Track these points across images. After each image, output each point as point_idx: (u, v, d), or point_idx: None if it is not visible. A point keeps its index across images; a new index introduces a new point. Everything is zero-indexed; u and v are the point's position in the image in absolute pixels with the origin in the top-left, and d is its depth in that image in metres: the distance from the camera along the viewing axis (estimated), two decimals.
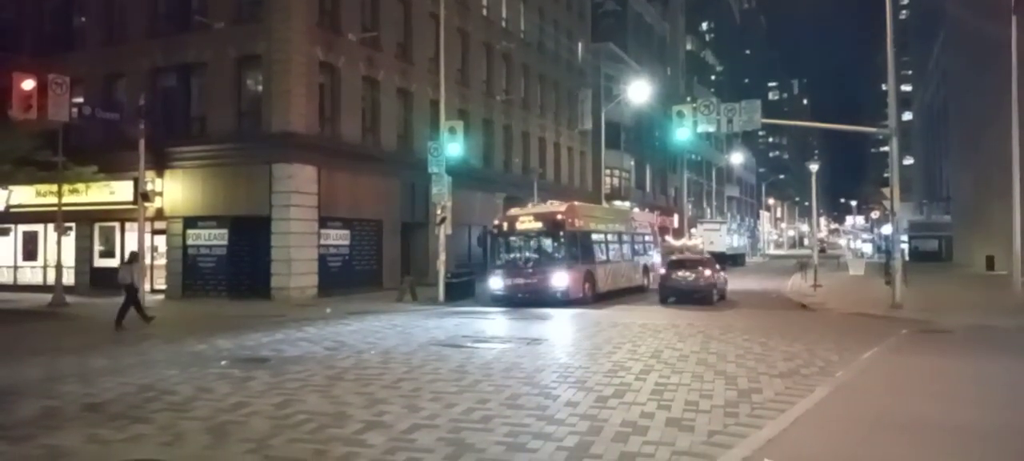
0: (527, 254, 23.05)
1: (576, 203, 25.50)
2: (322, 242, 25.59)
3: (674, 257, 28.01)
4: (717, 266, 24.54)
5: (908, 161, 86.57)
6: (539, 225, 22.95)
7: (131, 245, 25.38)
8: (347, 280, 26.11)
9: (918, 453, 6.87)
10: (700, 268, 23.20)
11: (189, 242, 25.99)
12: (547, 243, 22.88)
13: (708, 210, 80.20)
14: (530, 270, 22.32)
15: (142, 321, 17.93)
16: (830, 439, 7.22)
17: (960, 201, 55.61)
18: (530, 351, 12.99)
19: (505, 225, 23.42)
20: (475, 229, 35.32)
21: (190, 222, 25.98)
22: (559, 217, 22.79)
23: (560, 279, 21.83)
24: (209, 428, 7.79)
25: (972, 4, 40.04)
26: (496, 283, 22.60)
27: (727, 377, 10.30)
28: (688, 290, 22.49)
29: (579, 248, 23.17)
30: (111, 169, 25.56)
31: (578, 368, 11.23)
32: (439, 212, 24.03)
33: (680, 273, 23.22)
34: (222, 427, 7.82)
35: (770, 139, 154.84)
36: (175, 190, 26.09)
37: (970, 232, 48.68)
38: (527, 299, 21.62)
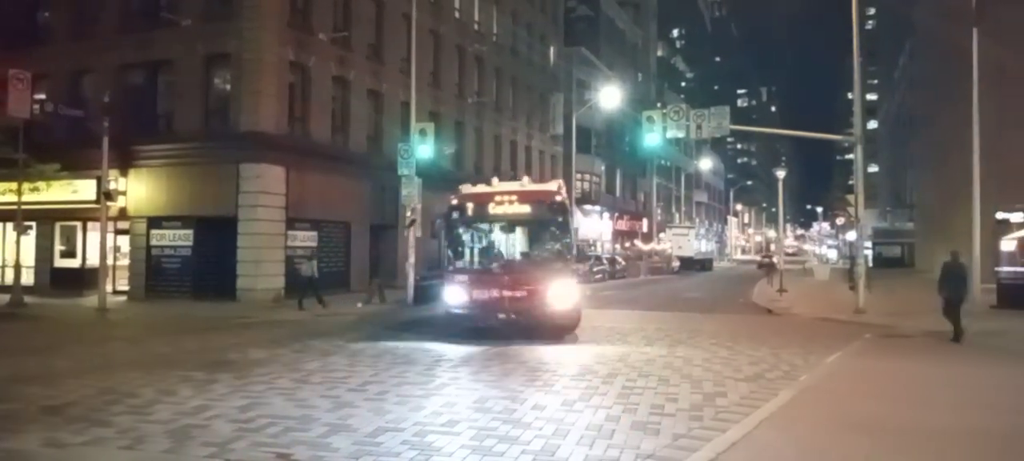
0: (506, 253, 16.20)
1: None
2: (290, 243, 25.31)
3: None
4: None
5: (873, 169, 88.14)
6: (526, 208, 15.24)
7: (93, 245, 24.99)
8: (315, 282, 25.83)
9: (879, 454, 6.99)
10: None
11: (153, 242, 25.54)
12: (540, 237, 16.00)
13: (677, 215, 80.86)
14: (514, 279, 14.51)
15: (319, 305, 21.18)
16: (794, 441, 7.31)
17: (923, 208, 56.73)
18: None
19: (470, 207, 15.35)
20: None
21: (154, 222, 25.54)
22: (558, 198, 15.37)
23: (562, 296, 14.40)
24: (170, 431, 7.68)
25: (937, 15, 40.89)
26: (456, 296, 14.81)
27: (693, 381, 10.39)
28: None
29: (576, 249, 18.04)
30: (74, 167, 25.06)
31: (546, 372, 11.25)
32: (409, 214, 23.91)
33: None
34: (184, 430, 7.71)
35: (739, 145, 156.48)
36: (139, 189, 25.66)
37: (932, 239, 49.62)
38: (509, 326, 14.39)
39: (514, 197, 15.40)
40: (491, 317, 14.49)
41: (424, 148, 23.76)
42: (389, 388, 9.89)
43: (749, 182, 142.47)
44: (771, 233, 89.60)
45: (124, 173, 25.43)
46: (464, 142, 37.28)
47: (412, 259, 23.75)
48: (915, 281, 37.73)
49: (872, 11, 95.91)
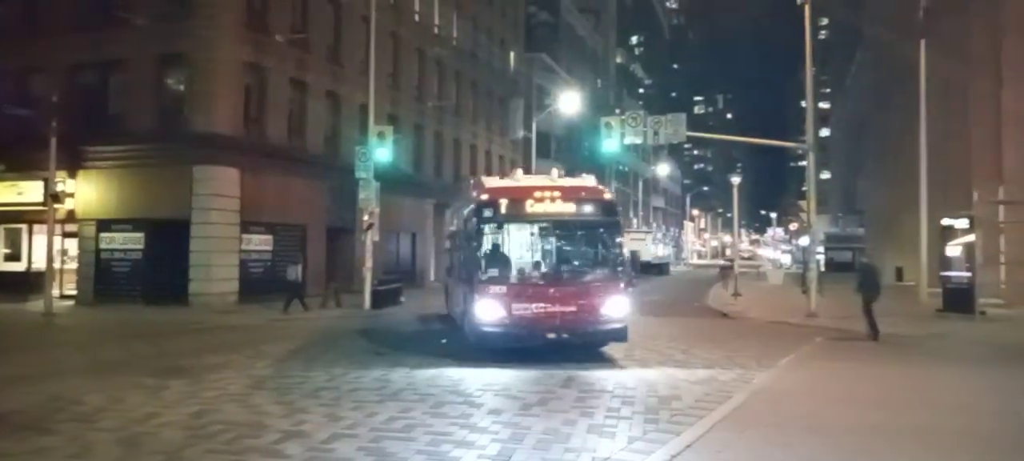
0: (547, 260, 13.82)
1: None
2: (244, 247, 24.93)
3: None
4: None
5: (825, 175, 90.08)
6: (570, 207, 13.05)
7: (39, 248, 24.31)
8: (269, 286, 25.43)
9: (827, 453, 7.13)
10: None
11: (103, 246, 24.94)
12: (587, 240, 13.75)
13: (634, 220, 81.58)
14: (563, 292, 12.55)
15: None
16: (747, 443, 7.43)
17: (873, 214, 58.14)
18: None
19: (504, 204, 12.88)
20: (404, 235, 35.22)
21: (104, 225, 24.96)
22: (607, 196, 13.87)
23: (617, 310, 12.61)
24: (119, 439, 7.51)
25: (887, 26, 41.97)
26: (490, 311, 12.26)
27: (648, 383, 10.49)
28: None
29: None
30: (21, 168, 24.38)
31: (503, 374, 11.25)
32: (366, 218, 23.70)
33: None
34: (133, 438, 7.56)
35: (695, 152, 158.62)
36: (89, 191, 25.03)
37: (882, 244, 50.85)
38: (556, 345, 12.37)
39: (557, 193, 12.98)
40: (538, 336, 12.24)
41: (382, 151, 23.60)
42: (344, 393, 9.78)
43: (705, 188, 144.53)
44: (727, 238, 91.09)
45: (73, 174, 24.78)
46: (424, 145, 37.13)
47: (369, 263, 23.56)
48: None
49: (825, 21, 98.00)
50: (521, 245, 13.99)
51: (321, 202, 28.42)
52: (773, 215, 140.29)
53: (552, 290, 12.53)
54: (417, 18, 36.63)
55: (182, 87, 24.71)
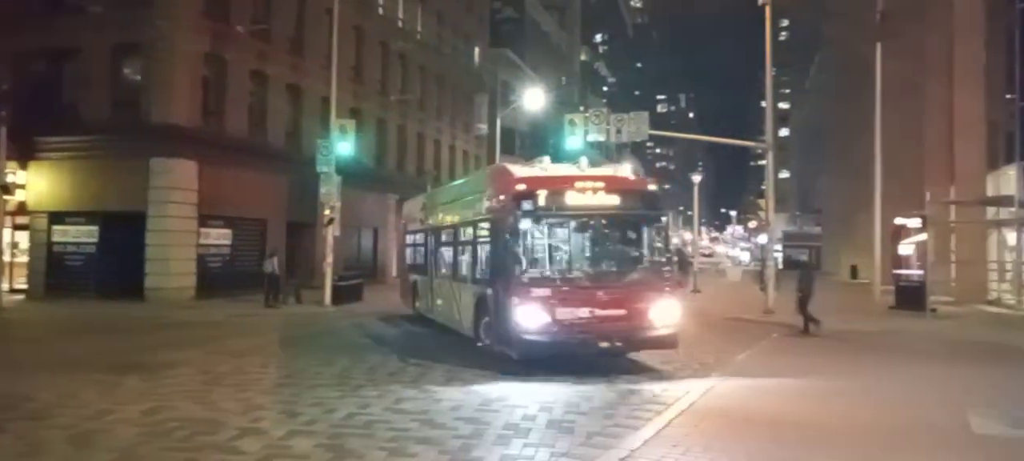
0: (597, 258, 12.02)
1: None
2: (202, 241, 24.54)
3: None
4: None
5: (784, 174, 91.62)
6: (615, 199, 11.73)
7: None
8: (228, 281, 25.11)
9: (784, 449, 7.27)
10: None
11: (55, 239, 24.40)
12: (632, 238, 12.37)
13: None
14: (612, 295, 11.32)
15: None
16: (702, 437, 7.53)
17: (830, 213, 59.40)
18: None
19: (543, 196, 11.28)
20: (365, 231, 34.96)
21: (57, 217, 24.41)
22: (652, 188, 13.36)
23: (670, 315, 11.54)
24: (71, 437, 7.35)
25: (846, 28, 42.83)
26: (533, 317, 10.86)
27: (608, 380, 10.57)
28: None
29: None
30: None
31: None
32: (327, 212, 23.46)
33: None
34: (86, 436, 7.40)
35: (658, 150, 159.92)
36: (41, 183, 24.42)
37: (838, 243, 52.03)
38: (603, 353, 11.35)
39: (600, 184, 11.64)
40: (589, 346, 11.06)
41: (344, 145, 23.38)
42: (303, 390, 9.70)
43: (667, 186, 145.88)
44: (687, 235, 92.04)
45: (24, 166, 24.18)
46: (386, 140, 36.89)
47: (330, 258, 23.35)
48: (821, 283, 39.35)
49: (785, 23, 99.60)
50: (563, 242, 12.02)
51: (282, 196, 28.08)
52: (733, 213, 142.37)
53: (601, 293, 11.23)
54: (381, 11, 36.36)
55: (139, 77, 24.20)
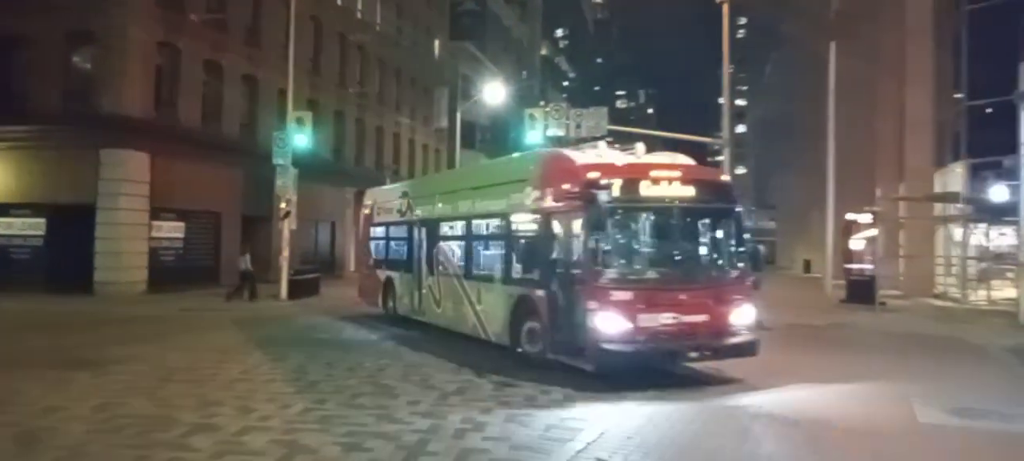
0: (676, 257, 10.67)
1: None
2: (154, 234, 24.06)
3: None
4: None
5: (741, 170, 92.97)
6: (690, 191, 10.52)
7: None
8: (181, 275, 24.66)
9: (737, 443, 7.41)
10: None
11: (0, 231, 23.69)
12: (709, 235, 11.17)
13: None
14: (697, 298, 10.27)
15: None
16: (656, 431, 7.64)
17: (784, 209, 60.51)
18: None
19: (620, 186, 10.03)
20: (323, 224, 34.60)
21: (2, 209, 23.76)
22: (725, 179, 11.93)
23: (748, 312, 10.61)
24: (16, 435, 7.16)
25: (802, 26, 43.57)
26: (611, 323, 9.64)
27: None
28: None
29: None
30: None
31: (423, 366, 11.23)
32: (283, 206, 23.14)
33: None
34: (32, 433, 7.21)
35: (616, 145, 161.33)
36: None
37: (792, 238, 53.08)
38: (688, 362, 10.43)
39: (676, 173, 10.47)
40: (678, 356, 10.11)
41: (301, 137, 23.06)
42: (258, 386, 9.57)
43: None
44: None
45: None
46: (345, 133, 36.54)
47: (286, 252, 23.06)
48: (776, 278, 40.11)
49: (743, 21, 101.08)
50: (640, 239, 10.61)
51: (237, 189, 27.65)
52: None
53: (685, 296, 10.10)
54: (339, 2, 35.99)
55: (89, 66, 23.62)
